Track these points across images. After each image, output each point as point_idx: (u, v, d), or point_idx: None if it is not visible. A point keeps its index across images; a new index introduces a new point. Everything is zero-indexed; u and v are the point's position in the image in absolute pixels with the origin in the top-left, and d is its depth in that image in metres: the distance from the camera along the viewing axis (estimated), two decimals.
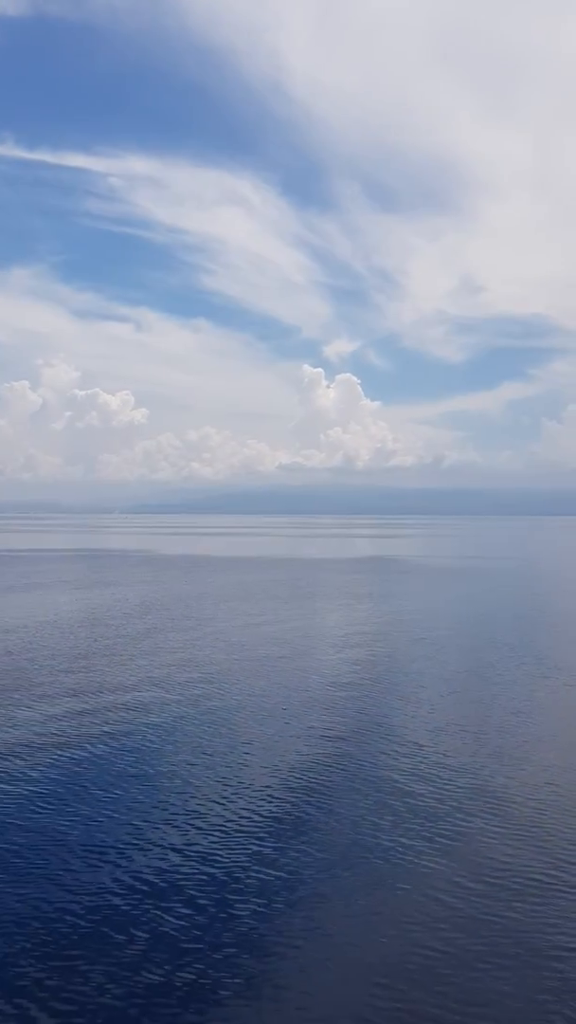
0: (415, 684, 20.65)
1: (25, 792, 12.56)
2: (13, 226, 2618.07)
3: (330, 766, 13.85)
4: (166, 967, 7.95)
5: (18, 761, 14.12)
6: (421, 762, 14.20)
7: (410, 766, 13.96)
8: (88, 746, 14.98)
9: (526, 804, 12.15)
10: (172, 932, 8.60)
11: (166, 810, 11.79)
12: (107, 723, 16.66)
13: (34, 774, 13.39)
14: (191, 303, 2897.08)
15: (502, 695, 19.54)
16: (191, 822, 11.37)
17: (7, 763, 14.01)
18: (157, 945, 8.34)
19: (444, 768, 13.81)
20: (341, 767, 13.82)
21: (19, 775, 13.35)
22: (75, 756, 14.39)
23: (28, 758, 14.26)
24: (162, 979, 7.74)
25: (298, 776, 13.35)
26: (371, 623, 32.16)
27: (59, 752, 14.62)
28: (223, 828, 11.18)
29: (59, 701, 18.55)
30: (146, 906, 9.10)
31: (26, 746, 15.00)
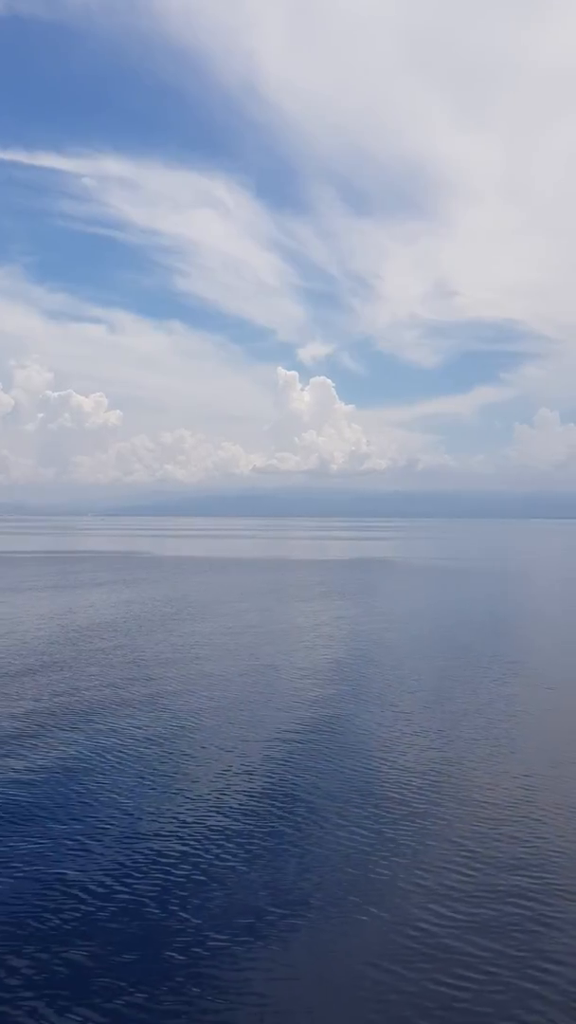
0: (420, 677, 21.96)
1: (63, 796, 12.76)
2: None
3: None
4: (182, 957, 8.11)
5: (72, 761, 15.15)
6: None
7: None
8: (175, 741, 15.94)
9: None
10: (194, 921, 8.77)
11: (222, 818, 11.76)
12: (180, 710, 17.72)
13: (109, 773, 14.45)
14: (165, 305, 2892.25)
15: (469, 688, 20.95)
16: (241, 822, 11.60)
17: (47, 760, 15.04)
18: (179, 938, 8.45)
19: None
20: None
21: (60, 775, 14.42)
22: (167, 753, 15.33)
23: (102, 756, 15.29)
24: (174, 970, 7.87)
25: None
26: (396, 618, 33.54)
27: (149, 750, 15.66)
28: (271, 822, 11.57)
29: (140, 703, 19.62)
30: (167, 898, 9.28)
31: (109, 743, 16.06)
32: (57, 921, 8.93)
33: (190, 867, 10.13)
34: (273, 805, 12.19)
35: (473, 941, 8.51)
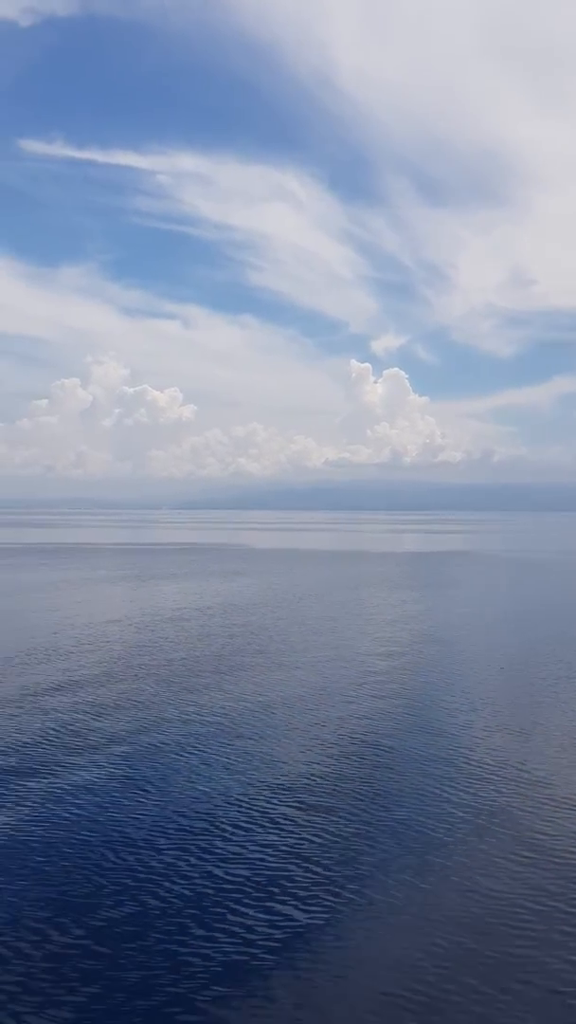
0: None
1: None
2: (63, 225, 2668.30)
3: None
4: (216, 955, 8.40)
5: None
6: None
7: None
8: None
9: None
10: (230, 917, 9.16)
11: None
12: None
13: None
14: (238, 299, 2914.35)
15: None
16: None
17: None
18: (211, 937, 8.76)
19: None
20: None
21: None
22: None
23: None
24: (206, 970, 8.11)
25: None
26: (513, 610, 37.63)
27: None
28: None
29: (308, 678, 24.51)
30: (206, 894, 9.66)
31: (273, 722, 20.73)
32: (156, 893, 9.66)
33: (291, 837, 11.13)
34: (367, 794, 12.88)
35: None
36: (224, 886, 9.83)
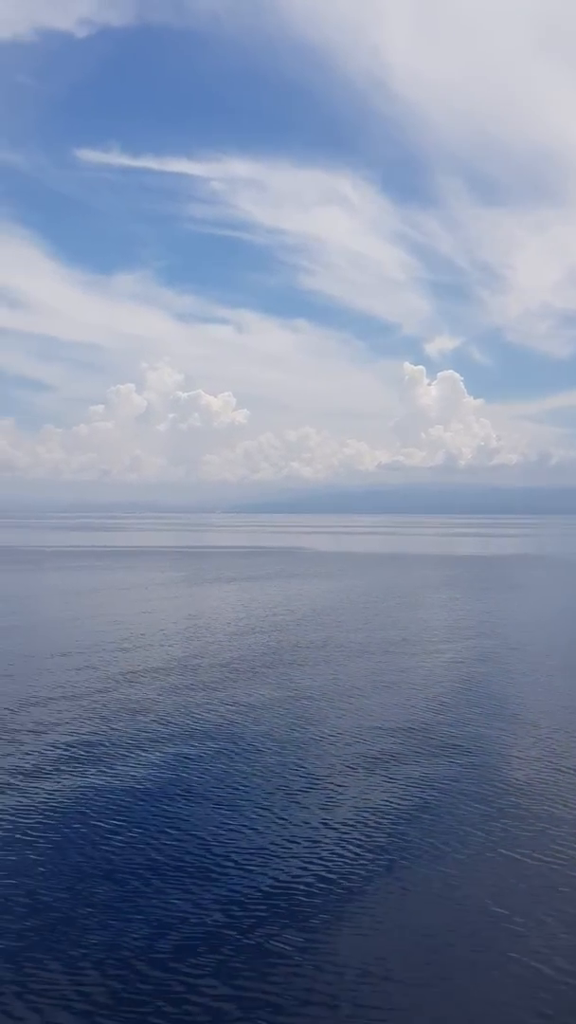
0: None
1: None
2: (118, 233, 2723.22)
3: None
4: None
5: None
6: None
7: None
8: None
9: None
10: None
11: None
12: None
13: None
14: (291, 303, 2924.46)
15: None
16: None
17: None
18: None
19: None
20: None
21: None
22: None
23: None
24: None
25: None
26: None
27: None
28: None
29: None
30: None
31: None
32: (212, 890, 9.90)
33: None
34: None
35: None
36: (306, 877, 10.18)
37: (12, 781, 13.51)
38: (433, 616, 35.34)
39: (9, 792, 13.03)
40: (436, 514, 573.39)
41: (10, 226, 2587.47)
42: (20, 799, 12.75)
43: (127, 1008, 7.69)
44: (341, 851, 10.95)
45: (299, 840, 11.27)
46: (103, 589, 46.63)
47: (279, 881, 10.10)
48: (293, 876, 10.22)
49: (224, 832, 11.53)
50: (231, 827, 11.71)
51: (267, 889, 9.89)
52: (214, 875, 10.25)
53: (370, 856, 10.79)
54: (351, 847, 11.05)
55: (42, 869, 10.42)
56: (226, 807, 12.48)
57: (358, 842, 11.21)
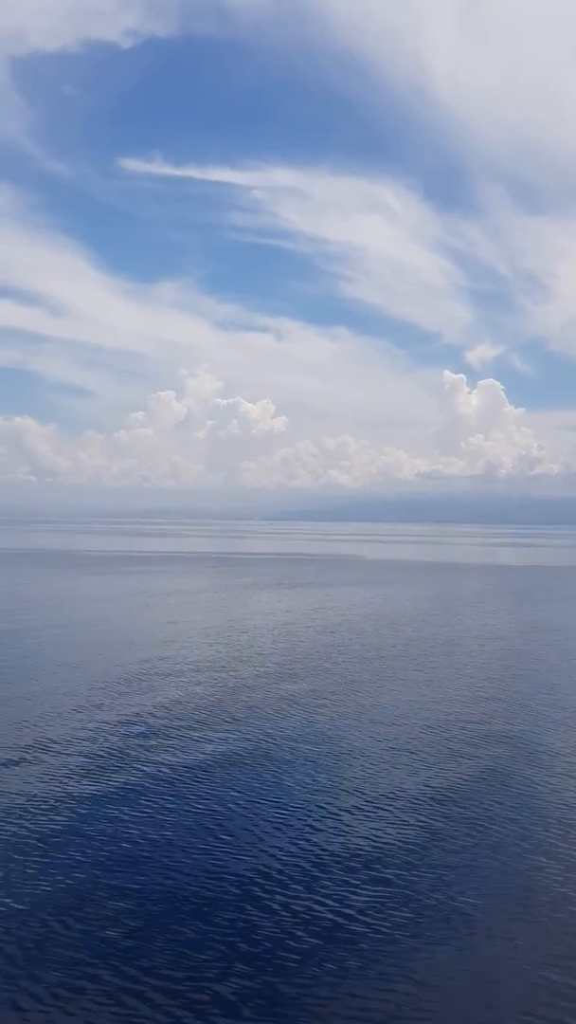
0: None
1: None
2: (161, 241, 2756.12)
3: None
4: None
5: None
6: None
7: None
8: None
9: None
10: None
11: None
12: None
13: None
14: (331, 312, 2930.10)
15: None
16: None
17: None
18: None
19: None
20: None
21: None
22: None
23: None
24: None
25: None
26: None
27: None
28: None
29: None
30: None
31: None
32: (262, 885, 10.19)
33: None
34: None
35: None
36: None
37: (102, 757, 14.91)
38: (500, 623, 36.14)
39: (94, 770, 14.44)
40: (475, 524, 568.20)
41: (55, 235, 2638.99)
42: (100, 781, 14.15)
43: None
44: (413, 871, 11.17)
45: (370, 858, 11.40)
46: (180, 592, 48.24)
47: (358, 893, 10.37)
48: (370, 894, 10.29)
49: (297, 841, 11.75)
50: (303, 834, 11.99)
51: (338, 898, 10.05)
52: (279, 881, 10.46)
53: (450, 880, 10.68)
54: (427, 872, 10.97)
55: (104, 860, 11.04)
56: (302, 811, 12.95)
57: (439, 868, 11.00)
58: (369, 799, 13.32)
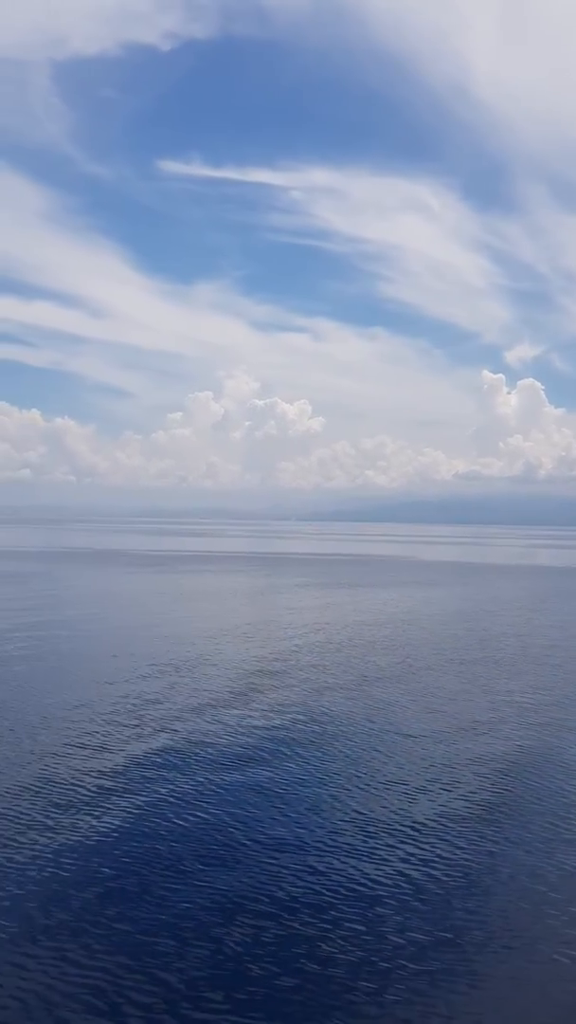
0: None
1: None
2: (199, 243, 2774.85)
3: None
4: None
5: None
6: None
7: None
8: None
9: None
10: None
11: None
12: None
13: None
14: (368, 312, 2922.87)
15: None
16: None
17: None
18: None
19: None
20: None
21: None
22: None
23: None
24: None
25: None
26: None
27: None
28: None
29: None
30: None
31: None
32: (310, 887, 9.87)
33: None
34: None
35: None
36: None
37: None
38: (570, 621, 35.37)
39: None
40: (515, 525, 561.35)
41: (94, 237, 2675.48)
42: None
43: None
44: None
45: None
46: (245, 591, 48.29)
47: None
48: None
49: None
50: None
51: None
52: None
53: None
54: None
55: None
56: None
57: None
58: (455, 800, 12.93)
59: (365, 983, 8.08)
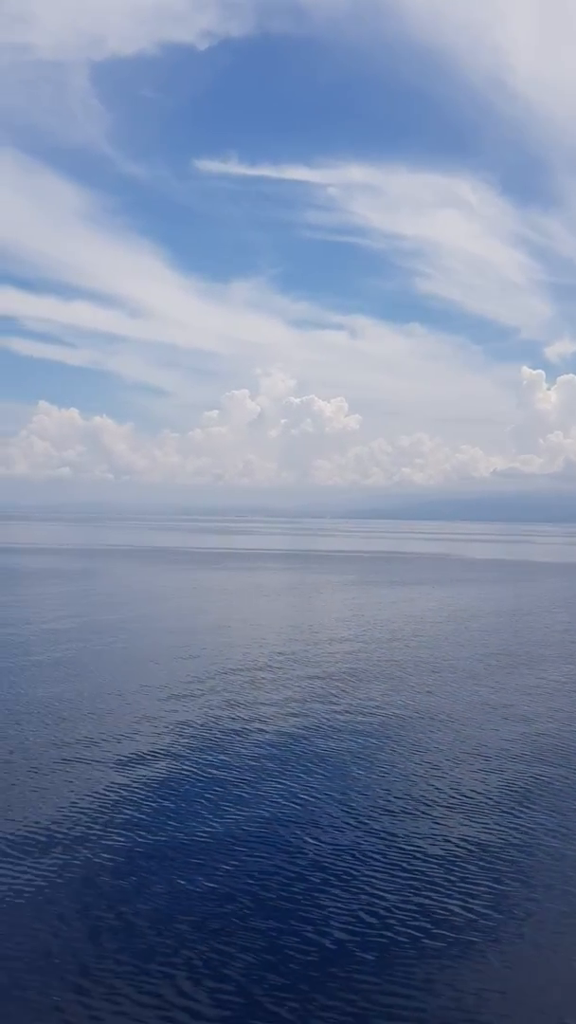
0: None
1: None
2: (235, 241, 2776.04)
3: None
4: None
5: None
6: None
7: None
8: None
9: None
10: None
11: None
12: None
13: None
14: (405, 308, 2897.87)
15: None
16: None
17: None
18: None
19: None
20: None
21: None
22: None
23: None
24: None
25: None
26: None
27: None
28: None
29: None
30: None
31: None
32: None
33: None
34: None
35: None
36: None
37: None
38: None
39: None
40: (556, 523, 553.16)
41: (132, 237, 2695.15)
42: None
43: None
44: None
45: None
46: (297, 587, 48.52)
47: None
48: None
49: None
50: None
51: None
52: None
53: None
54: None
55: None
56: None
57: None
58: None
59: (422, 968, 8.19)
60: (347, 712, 18.33)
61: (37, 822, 11.66)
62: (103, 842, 11.10)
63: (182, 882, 9.97)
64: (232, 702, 19.00)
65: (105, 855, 10.70)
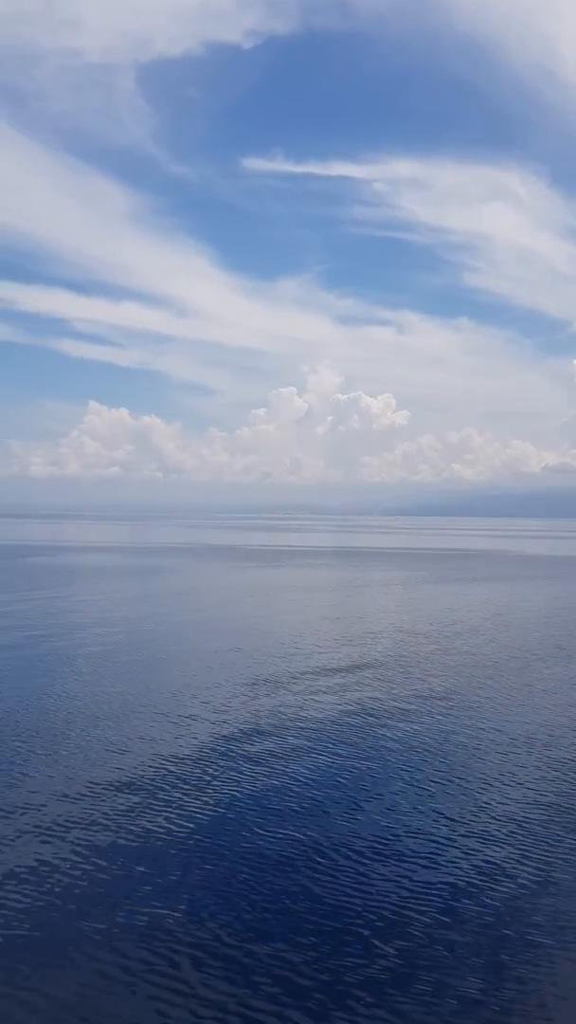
0: None
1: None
2: (282, 239, 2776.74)
3: None
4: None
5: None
6: None
7: None
8: None
9: None
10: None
11: None
12: None
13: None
14: (454, 303, 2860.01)
15: None
16: None
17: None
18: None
19: None
20: None
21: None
22: None
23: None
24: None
25: None
26: None
27: None
28: None
29: None
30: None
31: None
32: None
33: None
34: None
35: None
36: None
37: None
38: None
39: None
40: None
41: (179, 237, 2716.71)
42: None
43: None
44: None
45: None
46: (369, 585, 49.75)
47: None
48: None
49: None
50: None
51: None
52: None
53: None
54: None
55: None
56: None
57: None
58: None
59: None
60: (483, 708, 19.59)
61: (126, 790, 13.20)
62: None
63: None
64: (386, 693, 20.41)
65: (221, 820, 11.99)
